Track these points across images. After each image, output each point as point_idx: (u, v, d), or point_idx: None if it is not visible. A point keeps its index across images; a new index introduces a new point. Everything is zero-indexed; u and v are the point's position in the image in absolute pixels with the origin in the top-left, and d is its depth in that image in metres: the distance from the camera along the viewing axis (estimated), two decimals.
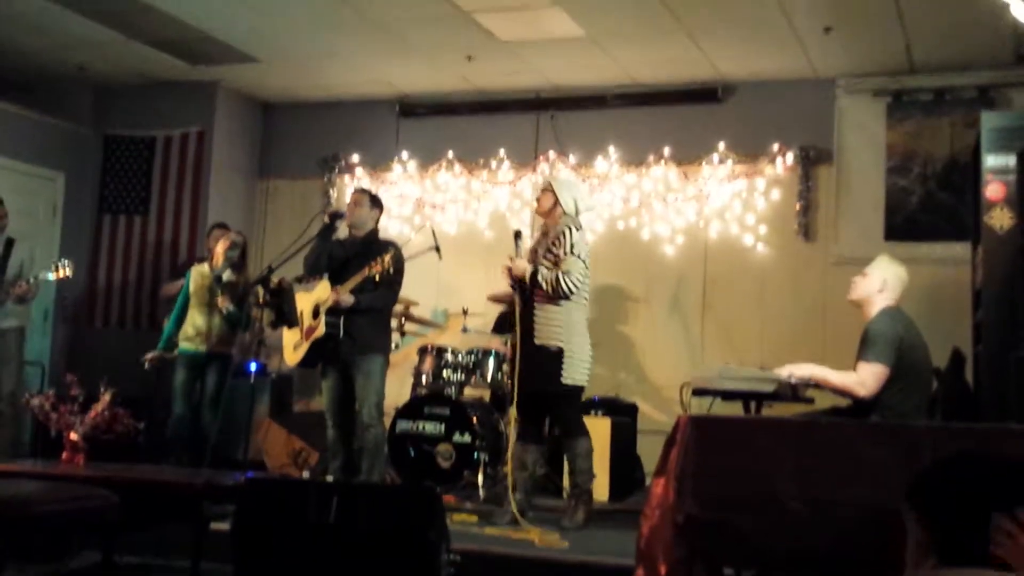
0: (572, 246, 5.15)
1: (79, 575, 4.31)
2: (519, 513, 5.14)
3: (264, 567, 4.14)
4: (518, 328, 5.21)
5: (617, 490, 6.24)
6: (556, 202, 5.28)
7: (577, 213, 5.32)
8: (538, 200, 5.41)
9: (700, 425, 3.15)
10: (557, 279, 5.10)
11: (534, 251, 5.35)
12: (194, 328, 6.30)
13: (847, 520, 2.82)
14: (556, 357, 5.11)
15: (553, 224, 5.30)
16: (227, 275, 6.37)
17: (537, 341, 5.15)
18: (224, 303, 6.25)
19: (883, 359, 4.04)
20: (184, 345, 6.33)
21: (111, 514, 2.81)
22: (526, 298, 5.22)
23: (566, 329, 5.16)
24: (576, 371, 5.16)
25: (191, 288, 6.42)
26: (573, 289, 5.12)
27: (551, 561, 4.43)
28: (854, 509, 2.81)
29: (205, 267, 6.48)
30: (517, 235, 5.34)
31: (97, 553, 2.91)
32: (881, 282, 4.28)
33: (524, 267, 5.20)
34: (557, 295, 5.12)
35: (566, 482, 5.32)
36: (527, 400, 5.21)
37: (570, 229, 5.19)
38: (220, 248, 6.43)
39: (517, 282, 5.25)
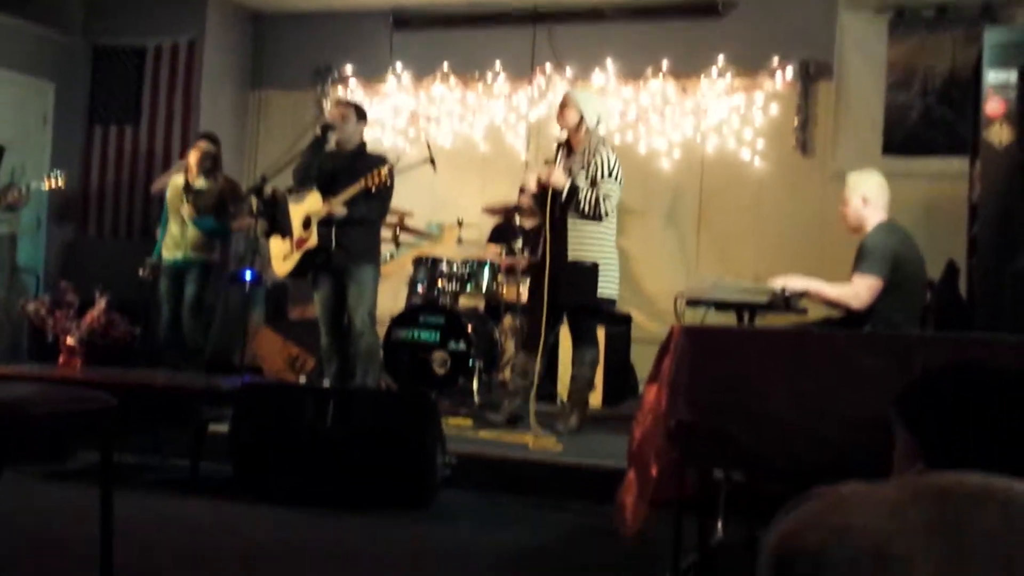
0: (611, 170, 5.19)
1: (78, 476, 4.39)
2: (518, 419, 5.25)
3: (262, 469, 4.22)
4: (548, 238, 5.24)
5: (611, 397, 6.33)
6: (581, 118, 5.27)
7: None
8: (560, 114, 5.38)
9: (693, 335, 3.17)
10: (597, 200, 5.16)
11: (567, 166, 5.33)
12: (171, 237, 6.49)
13: (836, 427, 2.86)
14: (591, 272, 5.17)
15: (578, 141, 5.29)
16: (199, 184, 6.41)
17: (571, 256, 5.19)
18: (188, 212, 6.32)
19: (877, 271, 4.06)
20: (164, 254, 6.52)
21: (109, 416, 2.82)
22: (556, 211, 5.23)
23: (600, 246, 5.24)
24: (608, 285, 5.28)
25: (168, 198, 6.57)
26: (610, 212, 5.24)
27: (545, 464, 4.51)
28: (843, 416, 2.85)
29: (180, 178, 6.57)
30: (560, 147, 5.36)
31: (96, 454, 2.94)
32: (860, 200, 4.28)
33: (563, 180, 5.22)
34: (594, 215, 5.17)
35: (561, 389, 5.42)
36: (549, 311, 5.27)
37: (608, 151, 5.24)
38: (192, 159, 6.47)
39: (544, 192, 5.24)
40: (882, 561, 1.06)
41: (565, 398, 5.42)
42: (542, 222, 5.40)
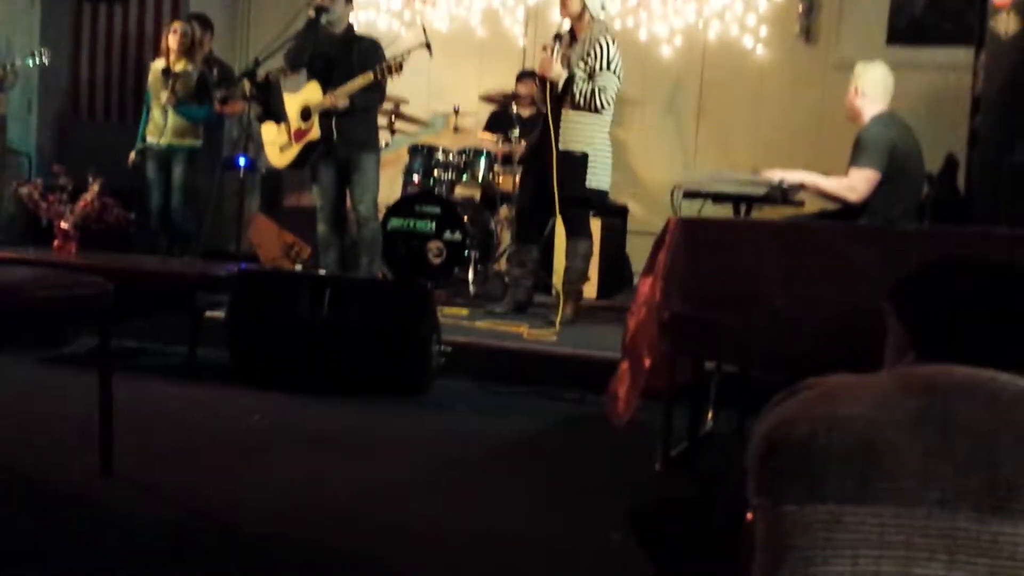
0: (610, 62, 5.08)
1: (76, 360, 4.43)
2: (526, 306, 5.29)
3: (259, 356, 4.26)
4: (552, 128, 5.17)
5: (605, 288, 6.36)
6: (584, 7, 5.14)
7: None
8: (563, 2, 5.24)
9: (689, 227, 3.16)
10: (593, 93, 5.09)
11: (565, 56, 5.23)
12: (154, 123, 6.40)
13: (829, 320, 2.88)
14: (581, 162, 5.12)
15: (581, 29, 5.17)
16: (179, 67, 6.30)
17: (562, 146, 5.14)
18: (167, 98, 6.23)
19: (874, 164, 4.03)
20: (149, 140, 6.43)
21: (106, 300, 2.83)
22: (552, 101, 5.16)
23: (592, 136, 5.18)
24: (599, 176, 5.22)
25: (149, 83, 6.48)
26: (606, 105, 5.17)
27: (540, 353, 4.56)
28: (837, 309, 2.86)
29: (160, 62, 6.44)
30: (557, 37, 5.22)
31: (93, 339, 2.96)
32: (854, 90, 4.21)
33: (559, 71, 5.13)
34: (590, 108, 5.10)
35: (556, 281, 5.45)
36: (540, 202, 5.24)
37: (608, 41, 5.12)
38: (171, 42, 6.36)
39: (545, 83, 5.17)
40: (870, 451, 1.07)
41: (559, 289, 5.45)
42: (540, 112, 5.32)
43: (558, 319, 5.21)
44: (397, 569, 2.41)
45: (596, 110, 5.13)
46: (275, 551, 2.47)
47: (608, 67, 5.11)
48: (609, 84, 5.12)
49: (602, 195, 5.38)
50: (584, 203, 5.31)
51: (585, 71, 5.12)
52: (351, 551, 2.48)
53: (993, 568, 1.05)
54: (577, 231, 5.34)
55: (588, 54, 5.13)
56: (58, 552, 2.37)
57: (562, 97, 5.16)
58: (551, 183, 5.13)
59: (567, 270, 5.39)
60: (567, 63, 5.18)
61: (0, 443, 3.18)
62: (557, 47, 5.19)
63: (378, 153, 5.62)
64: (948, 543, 1.06)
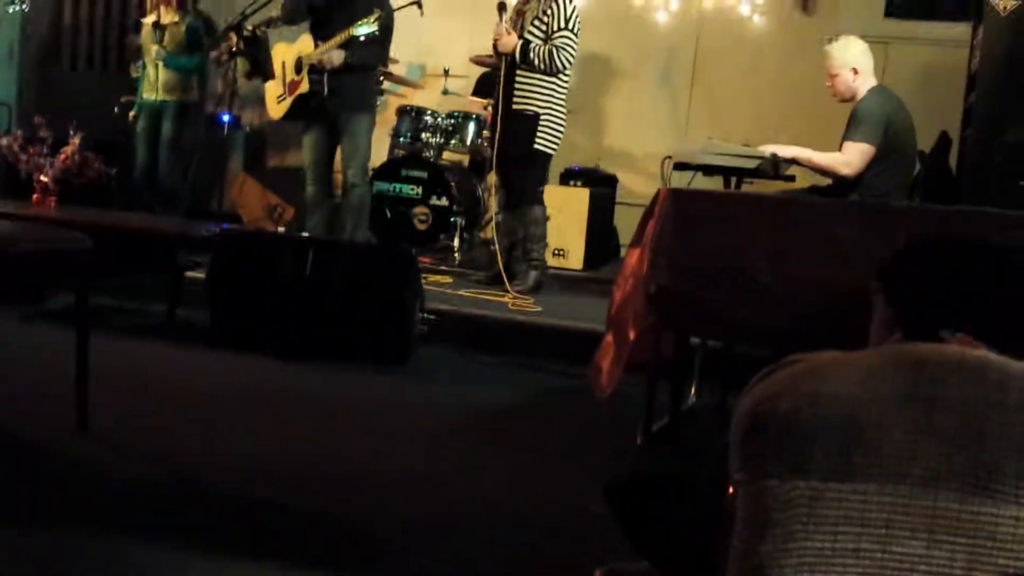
0: (567, 20, 5.00)
1: (55, 316, 4.38)
2: (501, 277, 5.24)
3: (239, 318, 4.22)
4: (501, 95, 5.10)
5: (592, 259, 6.33)
6: None
7: None
8: None
9: (679, 198, 3.13)
10: (550, 55, 5.01)
11: (520, 13, 5.15)
12: (147, 80, 6.32)
13: (816, 296, 2.86)
14: (532, 121, 5.06)
15: None
16: (167, 19, 6.22)
17: (515, 106, 5.08)
18: (156, 52, 6.16)
19: (869, 138, 3.99)
20: (143, 95, 6.34)
21: (85, 257, 2.79)
22: (510, 65, 5.10)
23: (546, 98, 5.10)
24: (548, 137, 5.14)
25: (142, 39, 6.39)
26: (566, 65, 5.09)
27: (524, 324, 4.53)
28: (824, 286, 2.84)
29: (151, 16, 6.37)
30: (501, 7, 5.13)
31: (72, 296, 2.92)
32: (851, 72, 4.14)
33: (512, 42, 5.06)
34: (548, 71, 5.04)
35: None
36: (507, 166, 5.20)
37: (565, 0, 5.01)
38: None
39: (503, 55, 5.11)
40: (854, 427, 1.06)
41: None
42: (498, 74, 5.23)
43: (521, 287, 5.13)
44: (373, 533, 2.40)
45: (555, 72, 5.05)
46: (250, 511, 2.45)
47: (566, 26, 5.01)
48: (568, 43, 5.02)
49: (545, 157, 5.27)
50: (531, 163, 5.21)
51: (543, 32, 5.04)
52: (327, 514, 2.46)
53: (972, 547, 1.04)
54: (528, 198, 5.25)
55: (544, 13, 5.04)
56: (31, 505, 2.34)
57: (519, 62, 5.07)
58: (505, 144, 5.09)
59: (524, 240, 5.32)
60: (519, 28, 5.10)
61: None
62: (504, 17, 5.10)
63: (372, 114, 5.48)
64: (929, 521, 1.05)
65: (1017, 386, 1.06)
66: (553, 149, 5.23)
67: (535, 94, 5.09)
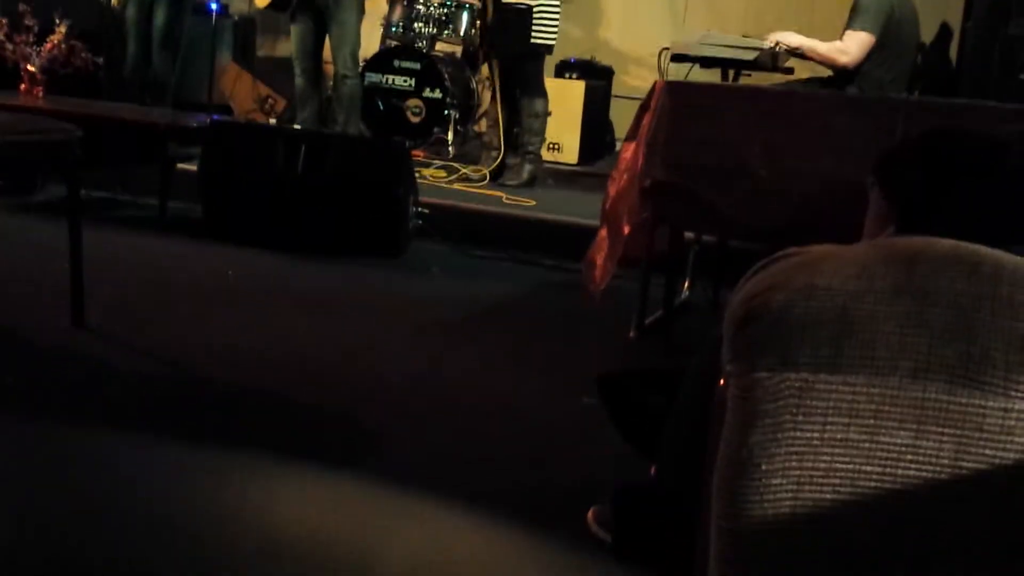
0: None
1: (45, 208, 4.35)
2: (493, 173, 5.20)
3: (231, 211, 4.20)
4: None
5: (586, 153, 6.27)
6: None
7: None
8: None
9: (675, 91, 3.09)
10: None
11: None
12: None
13: (811, 191, 2.85)
14: (525, 15, 4.96)
15: None
16: None
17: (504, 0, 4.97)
18: None
19: (869, 27, 3.93)
20: None
21: (75, 147, 2.75)
22: None
23: None
24: (544, 30, 5.04)
25: None
26: None
27: (518, 218, 4.52)
28: (819, 180, 2.83)
29: None
30: None
31: (62, 187, 2.90)
32: None
33: None
34: None
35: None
36: (495, 60, 5.11)
37: None
38: None
39: None
40: (846, 320, 1.06)
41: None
42: None
43: (515, 181, 5.12)
44: (365, 424, 2.43)
45: None
46: (245, 404, 2.48)
47: None
48: None
49: (546, 49, 5.19)
50: (531, 58, 5.14)
51: None
52: (321, 407, 2.50)
53: (960, 438, 1.05)
54: (530, 89, 5.19)
55: None
56: (28, 399, 2.37)
57: None
58: (499, 40, 5.01)
59: (522, 132, 5.27)
60: None
61: None
62: None
63: (362, 1, 5.34)
64: (917, 413, 1.06)
65: (1009, 279, 1.06)
66: (551, 40, 5.14)
67: None
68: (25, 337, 2.81)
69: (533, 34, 5.01)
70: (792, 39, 4.04)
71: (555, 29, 5.12)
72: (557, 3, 5.11)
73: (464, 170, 5.21)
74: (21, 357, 2.67)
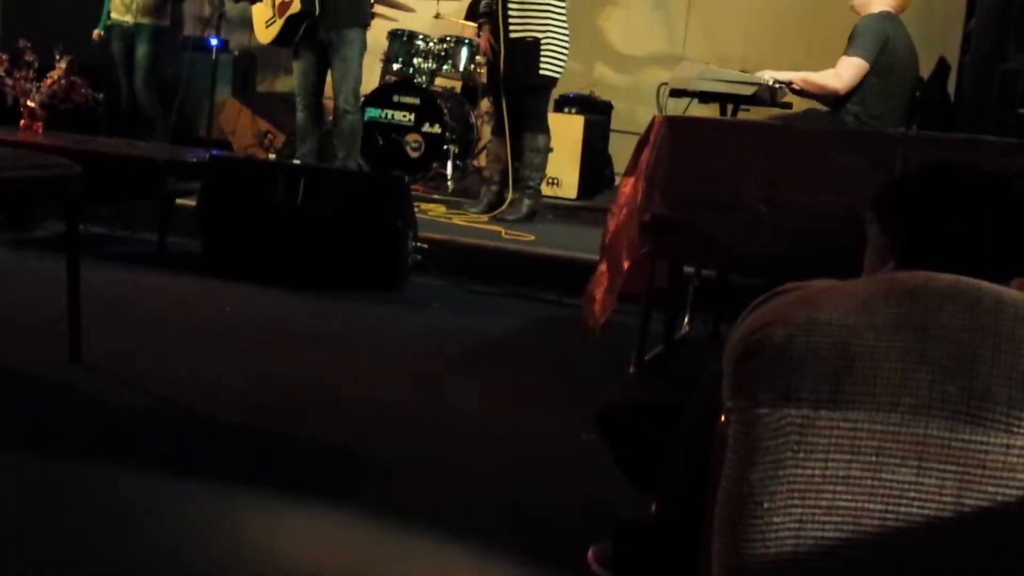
0: None
1: (44, 244, 4.35)
2: (491, 207, 5.21)
3: (230, 246, 4.19)
4: (503, 16, 5.02)
5: (586, 188, 6.29)
6: None
7: None
8: None
9: (674, 125, 3.10)
10: None
11: None
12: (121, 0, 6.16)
13: (811, 225, 2.85)
14: (532, 49, 4.99)
15: None
16: None
17: (513, 35, 5.00)
18: None
19: (863, 53, 3.96)
20: (114, 16, 6.18)
21: (74, 183, 2.75)
22: None
23: (545, 21, 5.01)
24: (552, 62, 5.08)
25: None
26: None
27: (517, 253, 4.52)
28: (819, 214, 2.83)
29: None
30: None
31: (61, 223, 2.89)
32: None
33: None
34: None
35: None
36: (504, 94, 5.14)
37: None
38: None
39: None
40: (846, 356, 1.05)
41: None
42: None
43: (514, 217, 5.12)
44: (366, 458, 2.41)
45: None
46: (244, 440, 2.46)
47: None
48: None
49: (551, 81, 5.22)
50: (538, 90, 5.17)
51: None
52: (320, 441, 2.48)
53: (962, 475, 1.04)
54: (533, 124, 5.21)
55: None
56: (24, 435, 2.35)
57: None
58: (506, 73, 5.03)
59: (523, 167, 5.28)
60: None
61: None
62: None
63: (363, 33, 5.32)
64: (919, 449, 1.05)
65: (1010, 314, 1.06)
66: (558, 73, 5.18)
67: (531, 19, 5.03)
68: (22, 372, 2.80)
69: (541, 66, 5.05)
70: (784, 75, 4.07)
71: (564, 60, 5.17)
72: (566, 35, 5.15)
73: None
74: (18, 391, 2.65)
